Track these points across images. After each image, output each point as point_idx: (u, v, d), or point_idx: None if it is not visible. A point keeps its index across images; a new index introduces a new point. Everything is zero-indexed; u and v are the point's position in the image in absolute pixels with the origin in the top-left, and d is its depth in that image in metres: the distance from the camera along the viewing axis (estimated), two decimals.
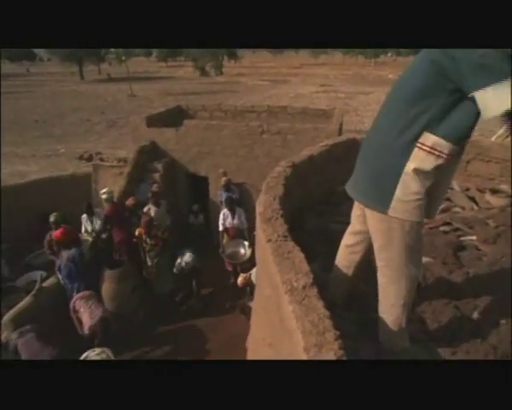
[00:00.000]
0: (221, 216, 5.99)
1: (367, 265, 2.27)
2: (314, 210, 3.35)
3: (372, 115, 7.98)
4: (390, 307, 1.71)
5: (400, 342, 1.77)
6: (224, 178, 6.28)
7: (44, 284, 4.85)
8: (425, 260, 2.55)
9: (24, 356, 3.73)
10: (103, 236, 5.56)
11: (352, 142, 4.14)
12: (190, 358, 3.83)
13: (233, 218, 5.92)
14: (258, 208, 2.28)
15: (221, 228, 5.95)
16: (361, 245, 1.91)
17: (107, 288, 4.85)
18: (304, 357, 1.24)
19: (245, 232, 5.89)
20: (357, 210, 1.87)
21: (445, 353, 1.83)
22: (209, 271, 5.95)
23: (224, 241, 5.97)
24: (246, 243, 5.78)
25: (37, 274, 5.32)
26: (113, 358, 3.70)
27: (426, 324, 2.09)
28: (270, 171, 4.81)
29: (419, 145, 1.44)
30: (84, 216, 5.58)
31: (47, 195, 7.10)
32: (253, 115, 8.44)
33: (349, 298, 2.17)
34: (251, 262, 5.69)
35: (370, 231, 1.70)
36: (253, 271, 4.47)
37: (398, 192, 1.49)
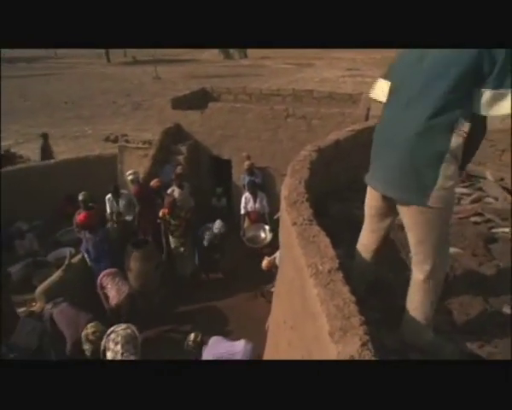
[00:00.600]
0: (243, 200, 6.01)
1: (394, 254, 2.22)
2: (338, 196, 3.30)
3: None
4: (420, 302, 1.67)
5: (424, 335, 1.73)
6: (247, 162, 6.27)
7: (73, 261, 5.05)
8: (454, 250, 2.47)
9: (60, 323, 3.92)
10: (128, 217, 5.69)
11: None
12: (211, 336, 3.90)
13: (255, 202, 5.93)
14: (284, 192, 2.26)
15: (243, 212, 5.97)
16: (377, 243, 1.91)
17: (131, 266, 4.98)
18: (328, 341, 1.23)
19: (266, 216, 5.89)
20: (375, 207, 1.82)
21: (472, 346, 1.78)
22: (230, 253, 6.00)
23: (245, 224, 6.00)
24: (267, 228, 5.79)
25: (67, 251, 5.54)
26: (137, 334, 3.83)
27: (453, 315, 2.04)
28: (293, 155, 4.78)
29: (457, 132, 1.43)
30: (109, 197, 5.69)
31: (75, 174, 7.31)
32: (277, 99, 8.32)
33: (374, 286, 2.14)
34: (271, 247, 5.71)
35: (407, 227, 1.64)
36: (277, 254, 4.47)
37: (440, 181, 1.45)
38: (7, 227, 6.34)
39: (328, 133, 4.21)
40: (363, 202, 2.90)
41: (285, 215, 2.07)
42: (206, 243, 5.60)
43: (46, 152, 8.52)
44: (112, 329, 3.85)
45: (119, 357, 3.59)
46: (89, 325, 3.78)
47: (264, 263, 4.60)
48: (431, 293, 1.63)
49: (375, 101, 1.85)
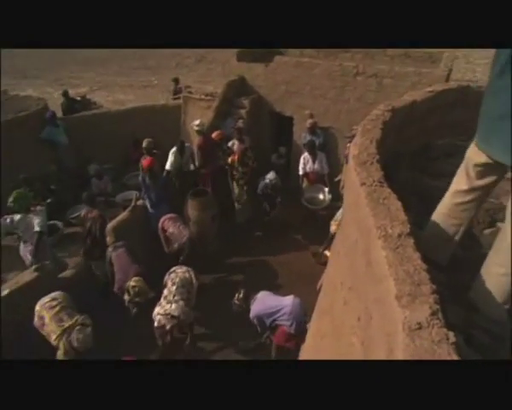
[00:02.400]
0: (302, 160, 5.89)
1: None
2: (409, 162, 3.09)
3: (487, 64, 6.63)
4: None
5: (500, 308, 1.62)
6: (309, 121, 6.06)
7: (138, 203, 5.40)
8: None
9: (115, 267, 4.25)
10: (191, 167, 5.87)
11: (465, 91, 3.61)
12: (261, 289, 4.03)
13: (314, 162, 5.79)
14: (353, 151, 2.16)
15: (301, 172, 5.87)
16: (477, 201, 1.81)
17: (189, 215, 5.21)
18: (395, 304, 1.20)
19: (326, 178, 5.76)
20: (482, 167, 1.69)
21: None
22: (283, 211, 6.02)
23: (304, 185, 5.93)
24: (326, 190, 5.67)
25: (133, 193, 5.92)
26: (194, 280, 4.04)
27: None
28: (360, 117, 4.49)
29: None
30: (174, 150, 5.78)
31: (142, 122, 7.64)
32: (346, 55, 7.78)
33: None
34: (328, 209, 5.63)
35: None
36: (338, 214, 4.39)
37: None
38: (84, 168, 6.94)
39: (401, 94, 3.89)
40: (435, 172, 2.69)
41: (353, 175, 1.99)
42: (259, 191, 5.64)
43: (176, 95, 9.19)
44: (174, 268, 4.13)
45: (170, 298, 3.86)
46: (134, 278, 3.97)
47: (333, 228, 4.51)
48: None
49: None
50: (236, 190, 5.74)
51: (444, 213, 1.92)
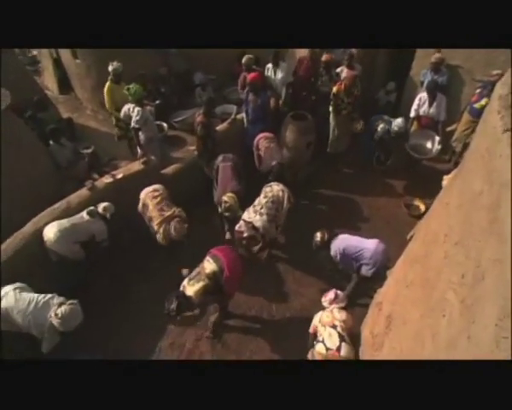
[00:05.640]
0: (416, 100, 5.24)
1: None
2: None
3: None
4: None
5: None
6: (436, 55, 5.23)
7: (237, 117, 5.48)
8: None
9: (219, 178, 4.42)
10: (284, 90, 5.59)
11: None
12: (345, 228, 3.96)
13: (430, 105, 5.12)
14: (501, 90, 1.81)
15: (413, 114, 5.25)
16: None
17: (286, 137, 5.12)
18: None
19: (439, 126, 5.10)
20: None
21: None
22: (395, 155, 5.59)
23: (413, 129, 5.34)
24: (436, 138, 5.04)
25: (233, 108, 5.99)
26: (287, 200, 4.03)
27: None
28: (502, 57, 3.76)
29: None
30: (270, 66, 5.58)
31: None
32: None
33: None
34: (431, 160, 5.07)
35: None
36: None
37: None
38: (191, 76, 7.14)
39: None
40: None
41: (494, 119, 1.69)
42: (376, 136, 5.19)
43: None
44: (272, 183, 4.21)
45: (258, 208, 3.96)
46: (228, 194, 4.10)
47: (445, 182, 4.07)
48: None
49: None
50: (334, 121, 5.36)
51: None
